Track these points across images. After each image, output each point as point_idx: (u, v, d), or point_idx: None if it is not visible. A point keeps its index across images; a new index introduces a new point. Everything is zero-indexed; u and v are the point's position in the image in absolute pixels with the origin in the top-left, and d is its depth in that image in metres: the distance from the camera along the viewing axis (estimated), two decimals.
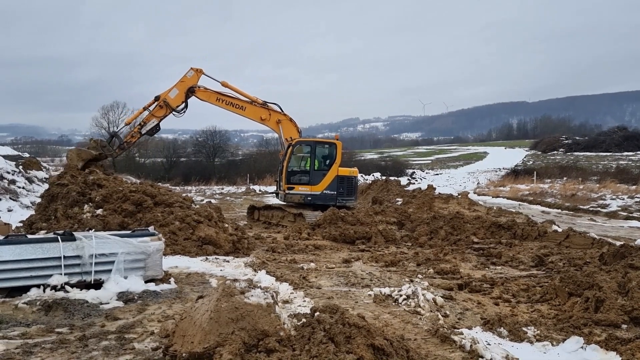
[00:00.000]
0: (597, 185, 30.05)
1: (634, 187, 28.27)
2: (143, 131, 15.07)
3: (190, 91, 15.16)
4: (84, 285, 6.09)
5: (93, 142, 14.79)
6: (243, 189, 34.05)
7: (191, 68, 15.25)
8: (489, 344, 4.57)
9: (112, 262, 6.27)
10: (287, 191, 15.15)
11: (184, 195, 12.20)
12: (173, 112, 15.04)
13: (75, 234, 6.31)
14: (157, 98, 14.91)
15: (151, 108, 14.92)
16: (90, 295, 5.85)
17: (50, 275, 5.94)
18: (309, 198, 14.97)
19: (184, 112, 15.27)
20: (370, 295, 6.48)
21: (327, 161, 15.37)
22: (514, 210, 17.65)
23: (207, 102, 15.44)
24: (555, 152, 64.96)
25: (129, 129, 17.17)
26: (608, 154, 56.59)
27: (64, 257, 6.01)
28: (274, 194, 17.95)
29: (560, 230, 12.47)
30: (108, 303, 5.75)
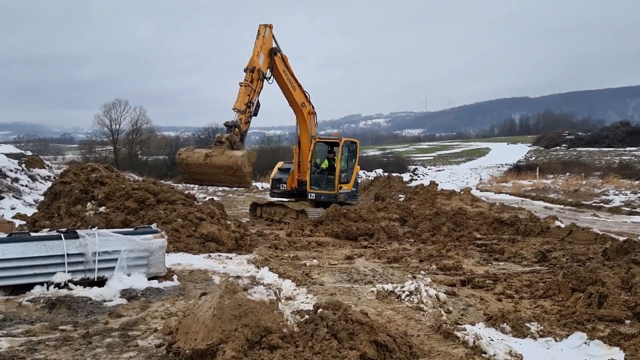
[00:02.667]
0: (600, 180, 29.96)
1: (637, 182, 28.18)
2: (253, 112, 13.38)
3: (274, 53, 13.75)
4: (87, 283, 6.10)
5: (226, 139, 12.71)
6: None
7: (263, 25, 13.60)
8: (492, 340, 4.57)
9: (115, 260, 6.28)
10: (339, 191, 14.99)
11: (186, 192, 12.20)
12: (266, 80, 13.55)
13: (79, 231, 6.33)
14: (252, 70, 13.05)
15: (251, 84, 13.08)
16: (93, 292, 5.87)
17: (54, 273, 5.95)
18: (346, 196, 15.16)
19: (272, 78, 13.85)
20: (373, 291, 6.48)
21: (353, 160, 15.68)
22: (516, 206, 17.61)
23: (276, 70, 14.11)
24: (558, 147, 64.82)
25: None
26: (611, 149, 56.43)
27: (67, 254, 6.02)
28: (278, 194, 16.05)
29: (563, 226, 12.44)
30: (111, 300, 5.77)
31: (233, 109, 13.09)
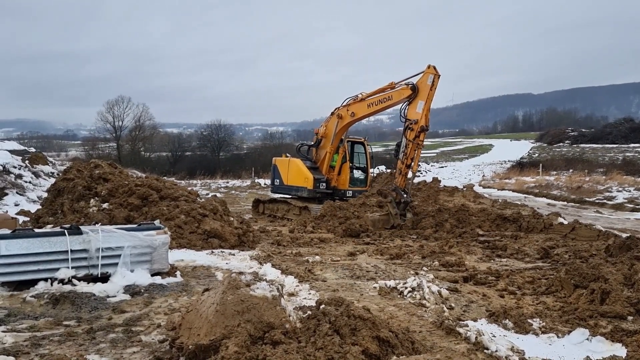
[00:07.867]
0: (603, 177, 29.88)
1: None
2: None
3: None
4: (91, 279, 6.13)
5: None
6: (248, 182, 34.11)
7: (437, 76, 12.21)
8: (494, 336, 4.57)
9: (119, 256, 6.30)
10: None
11: (189, 189, 12.23)
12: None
13: (82, 227, 6.35)
14: (422, 130, 12.09)
15: (421, 142, 12.24)
16: (97, 288, 5.89)
17: (58, 269, 5.98)
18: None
19: None
20: (375, 287, 6.49)
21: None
22: (519, 203, 17.59)
23: None
24: (561, 144, 64.69)
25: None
26: (614, 145, 56.29)
27: (71, 250, 6.05)
28: (320, 193, 15.19)
29: (566, 222, 12.43)
30: (115, 296, 5.79)
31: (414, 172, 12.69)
